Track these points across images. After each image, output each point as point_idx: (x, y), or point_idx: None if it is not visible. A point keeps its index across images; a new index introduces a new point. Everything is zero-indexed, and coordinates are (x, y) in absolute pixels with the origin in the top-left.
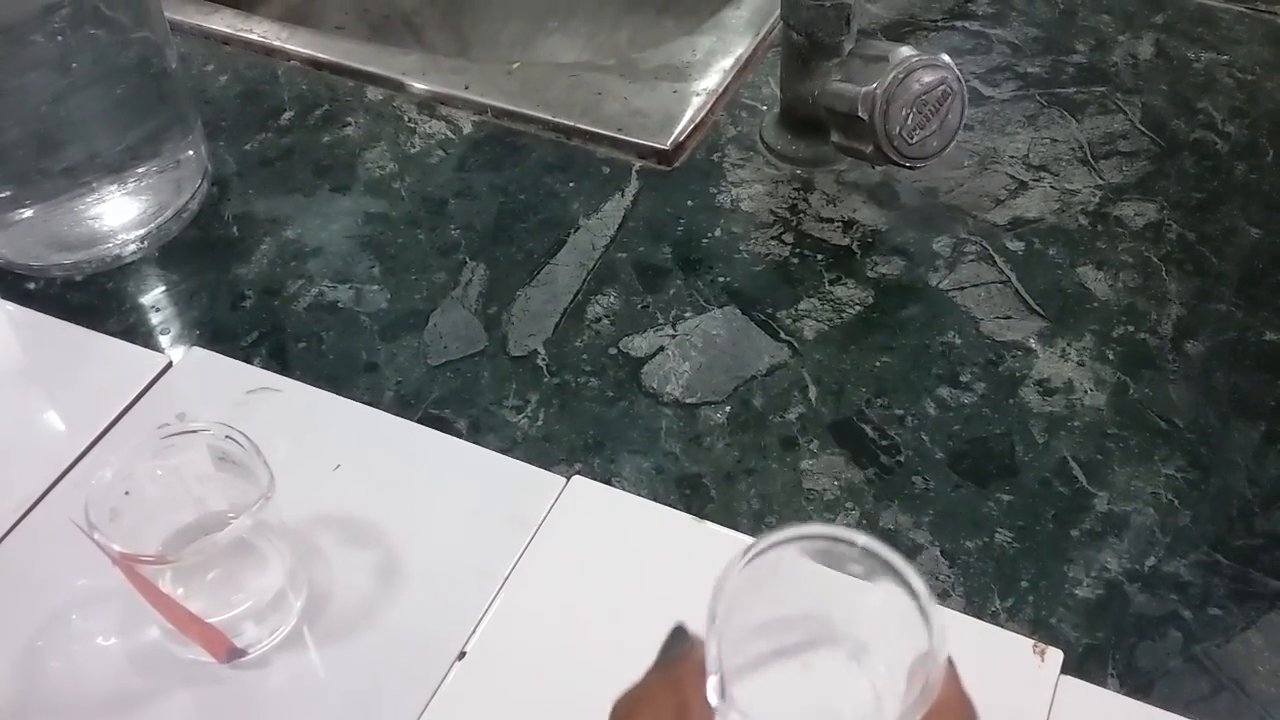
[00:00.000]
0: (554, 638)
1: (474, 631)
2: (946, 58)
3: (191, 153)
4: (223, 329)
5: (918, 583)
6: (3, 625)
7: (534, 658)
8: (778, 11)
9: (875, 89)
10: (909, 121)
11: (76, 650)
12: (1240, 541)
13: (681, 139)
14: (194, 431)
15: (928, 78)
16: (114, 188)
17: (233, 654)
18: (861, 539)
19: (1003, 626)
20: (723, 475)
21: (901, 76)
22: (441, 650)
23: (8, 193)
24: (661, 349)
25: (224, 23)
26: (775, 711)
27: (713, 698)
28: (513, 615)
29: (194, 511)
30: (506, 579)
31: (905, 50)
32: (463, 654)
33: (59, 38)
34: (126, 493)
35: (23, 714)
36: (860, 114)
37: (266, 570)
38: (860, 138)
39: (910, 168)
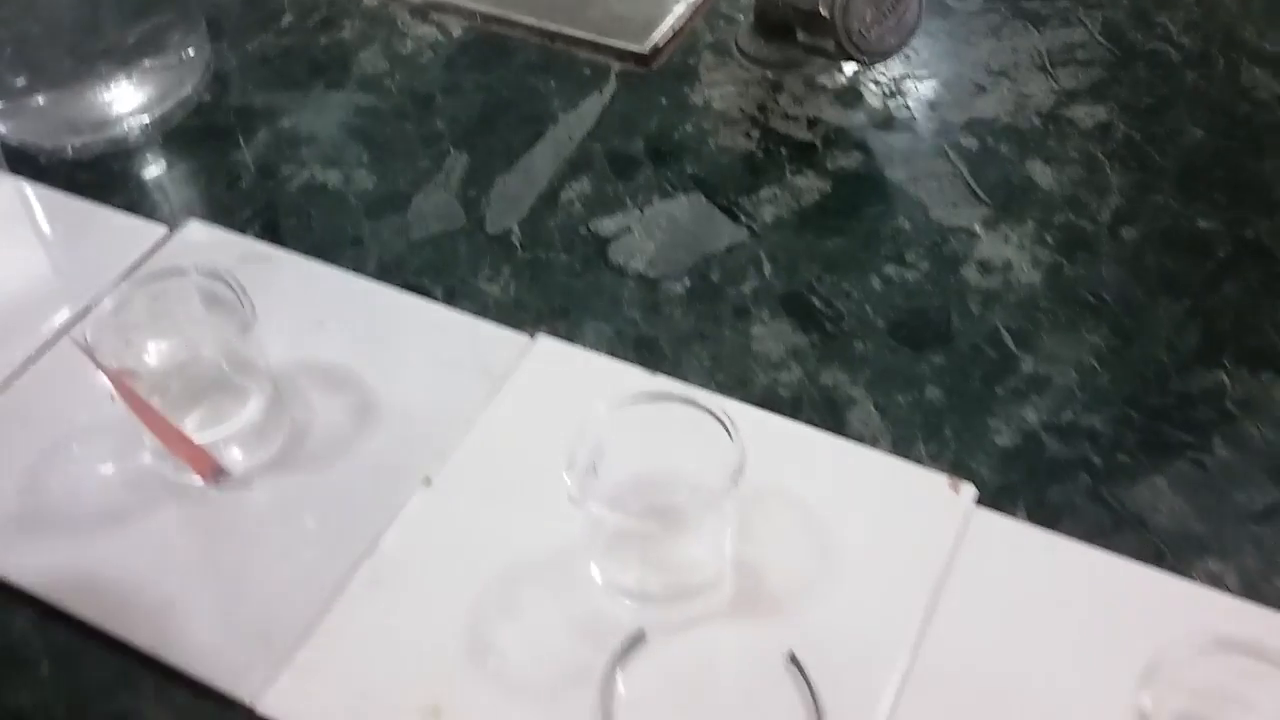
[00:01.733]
0: (512, 475)
1: (441, 463)
2: None
3: (193, 50)
4: (219, 205)
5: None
6: (9, 452)
7: (492, 491)
8: None
9: None
10: (867, 18)
11: (74, 473)
12: (1154, 400)
13: (660, 44)
14: (184, 273)
15: None
16: (121, 77)
17: (218, 474)
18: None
19: (925, 467)
20: (678, 338)
21: None
22: (408, 479)
23: (23, 80)
24: (628, 229)
25: None
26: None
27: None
28: (476, 453)
29: (185, 350)
30: (473, 422)
31: None
32: (428, 480)
33: None
34: (128, 342)
35: (25, 527)
36: (822, 11)
37: (248, 404)
38: (823, 34)
39: (869, 63)
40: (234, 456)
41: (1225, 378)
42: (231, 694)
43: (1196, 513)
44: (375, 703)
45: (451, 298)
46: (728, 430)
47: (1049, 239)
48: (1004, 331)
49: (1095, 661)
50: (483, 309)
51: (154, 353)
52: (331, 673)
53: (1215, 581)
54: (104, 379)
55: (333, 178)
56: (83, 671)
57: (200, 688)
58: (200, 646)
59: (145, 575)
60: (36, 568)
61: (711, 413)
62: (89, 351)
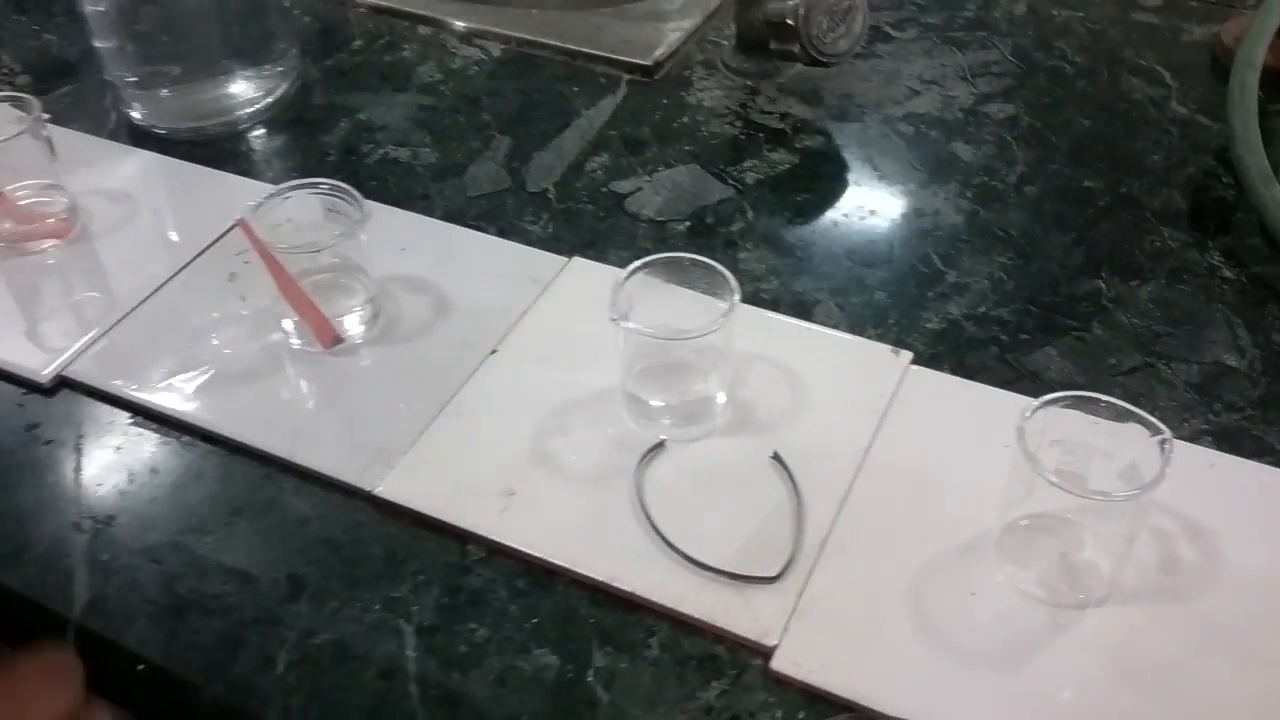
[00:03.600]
0: (557, 346)
1: (502, 340)
2: None
3: (287, 61)
4: (312, 173)
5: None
6: (173, 330)
7: (544, 356)
8: None
9: (800, 1)
10: (824, 26)
11: (222, 343)
12: (1047, 299)
13: (661, 60)
14: (314, 185)
15: None
16: (232, 76)
17: (335, 340)
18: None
19: (862, 337)
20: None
21: None
22: (479, 350)
23: (153, 74)
24: (640, 189)
25: None
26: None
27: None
28: (530, 332)
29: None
30: (525, 311)
31: None
32: (494, 351)
33: None
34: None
35: (189, 381)
36: (789, 21)
37: (357, 294)
38: (791, 41)
39: (827, 64)
40: (346, 330)
41: (1102, 284)
42: (355, 485)
43: (1078, 370)
44: (465, 488)
45: (503, 234)
46: (725, 276)
47: (968, 194)
48: (934, 255)
49: (992, 462)
50: (529, 241)
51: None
52: (430, 469)
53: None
54: (256, 260)
55: (402, 154)
56: (236, 476)
57: (329, 482)
58: (327, 456)
59: (282, 410)
60: (199, 409)
61: (714, 266)
62: (250, 228)
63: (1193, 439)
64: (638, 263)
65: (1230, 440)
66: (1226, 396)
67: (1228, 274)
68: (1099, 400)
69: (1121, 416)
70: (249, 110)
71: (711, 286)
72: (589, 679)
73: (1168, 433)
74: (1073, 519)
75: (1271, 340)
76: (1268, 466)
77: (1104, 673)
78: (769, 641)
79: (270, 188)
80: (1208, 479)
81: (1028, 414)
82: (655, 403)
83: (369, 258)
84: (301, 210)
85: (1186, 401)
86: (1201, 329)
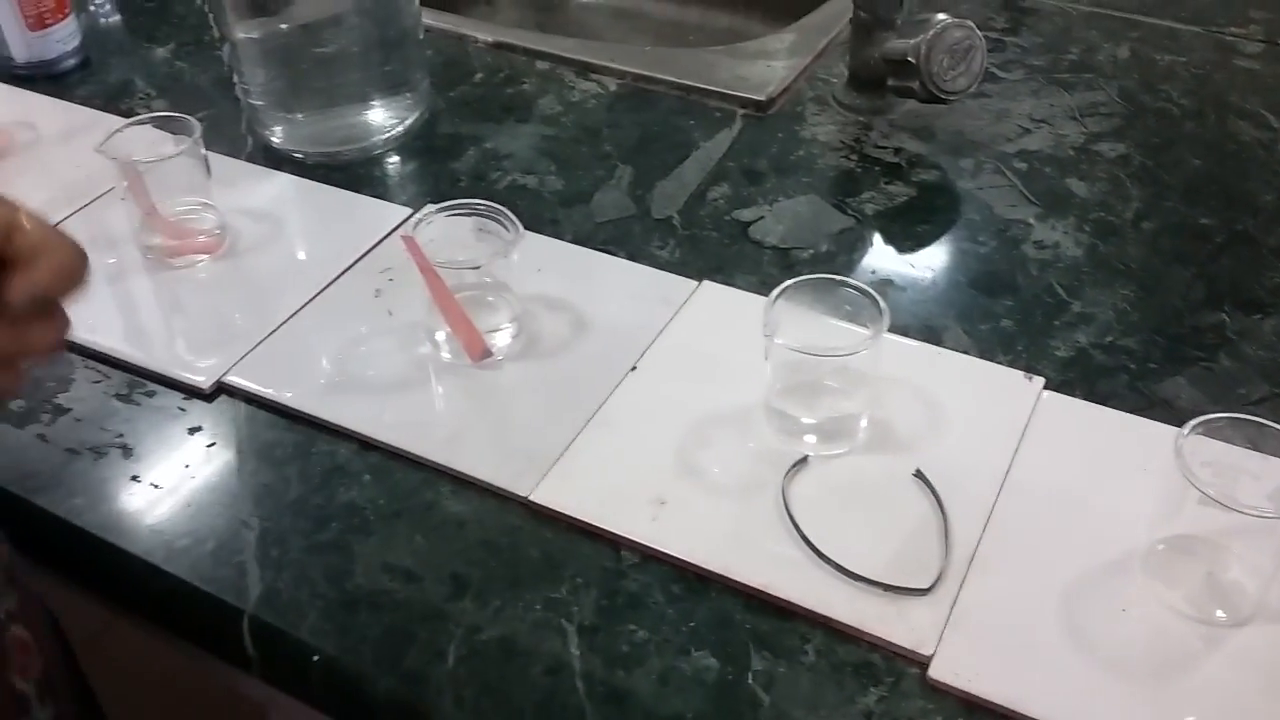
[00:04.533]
0: (695, 363)
1: (641, 357)
2: (970, 22)
3: (420, 92)
4: (444, 198)
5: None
6: (326, 341)
7: (683, 373)
8: (846, 17)
9: (922, 39)
10: (944, 64)
11: (373, 354)
12: (1173, 330)
13: (774, 95)
14: (471, 205)
15: (958, 33)
16: (370, 105)
17: (484, 354)
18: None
19: (992, 362)
20: None
21: (940, 31)
22: (620, 367)
23: (293, 103)
24: (762, 217)
25: (428, 15)
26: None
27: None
28: (668, 351)
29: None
30: (660, 330)
31: (942, 15)
32: (634, 367)
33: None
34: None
35: (343, 390)
36: (910, 59)
37: (501, 312)
38: (910, 78)
39: (945, 101)
40: (495, 344)
41: (1225, 317)
42: (509, 490)
43: (1208, 399)
44: (615, 496)
45: (632, 258)
46: (875, 300)
47: (1086, 228)
48: (1057, 286)
49: (1130, 485)
50: (656, 266)
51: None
52: (581, 477)
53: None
54: (416, 270)
55: (530, 181)
56: (394, 480)
57: (484, 488)
58: (481, 462)
59: (434, 419)
60: (354, 416)
61: (862, 288)
62: (414, 242)
63: None
64: (790, 281)
65: None
66: None
67: None
68: (1253, 422)
69: (1271, 439)
70: (383, 137)
71: (852, 312)
72: (749, 681)
73: None
74: (1217, 541)
75: None
76: None
77: (1253, 689)
78: (925, 650)
79: (406, 210)
80: None
81: (1185, 433)
82: (804, 419)
83: (514, 278)
84: (450, 230)
85: None
86: None
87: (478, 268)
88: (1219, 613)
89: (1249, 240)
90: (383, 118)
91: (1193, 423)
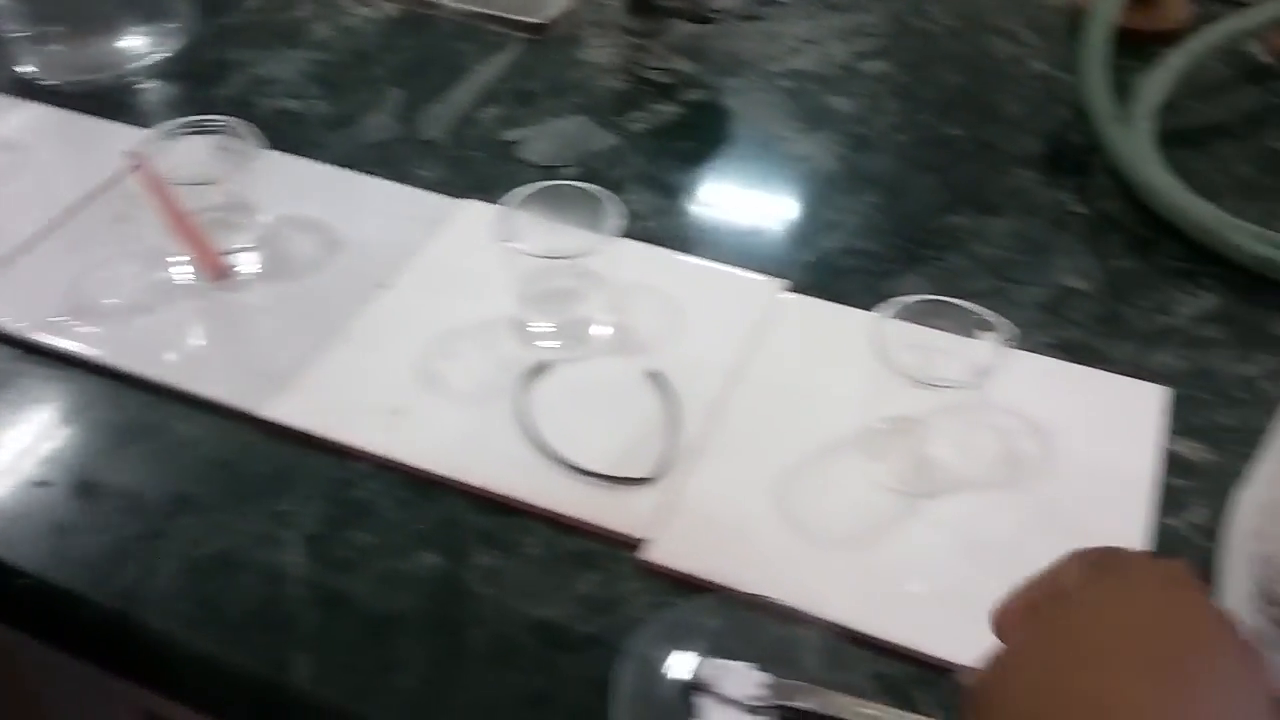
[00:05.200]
0: (448, 282)
1: (392, 275)
2: None
3: (180, 18)
4: None
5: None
6: (56, 279)
7: (435, 290)
8: None
9: None
10: None
11: (110, 284)
12: (912, 233)
13: (553, 18)
14: (202, 123)
15: None
16: (124, 32)
17: (223, 274)
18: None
19: (742, 269)
20: None
21: None
22: (368, 284)
23: (50, 30)
24: (529, 137)
25: None
26: None
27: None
28: (419, 269)
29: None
30: (416, 249)
31: None
32: (384, 285)
33: None
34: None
35: (75, 316)
36: None
37: (245, 233)
38: None
39: (711, 20)
40: (236, 264)
41: (962, 220)
42: (241, 408)
43: (937, 292)
44: (352, 409)
45: (397, 180)
46: (606, 201)
47: (843, 141)
48: (809, 196)
49: (856, 374)
50: (420, 186)
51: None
52: (318, 393)
53: None
54: (147, 194)
55: (295, 105)
56: (124, 403)
57: (217, 408)
58: (214, 382)
59: (168, 341)
60: (85, 341)
61: (596, 191)
62: (141, 161)
63: (1038, 351)
64: (525, 188)
65: (1072, 351)
66: (1070, 314)
67: (1076, 209)
68: (946, 301)
69: (966, 317)
70: (141, 64)
71: (596, 220)
72: (470, 575)
73: (1006, 328)
74: (926, 420)
75: (1111, 266)
76: (1101, 372)
77: (949, 551)
78: (639, 535)
79: (156, 135)
80: (1049, 384)
81: (881, 315)
82: (535, 325)
83: (261, 198)
84: (191, 152)
85: (1034, 319)
86: (1050, 257)
87: (210, 184)
88: (921, 485)
89: (992, 149)
90: (140, 45)
91: (889, 304)
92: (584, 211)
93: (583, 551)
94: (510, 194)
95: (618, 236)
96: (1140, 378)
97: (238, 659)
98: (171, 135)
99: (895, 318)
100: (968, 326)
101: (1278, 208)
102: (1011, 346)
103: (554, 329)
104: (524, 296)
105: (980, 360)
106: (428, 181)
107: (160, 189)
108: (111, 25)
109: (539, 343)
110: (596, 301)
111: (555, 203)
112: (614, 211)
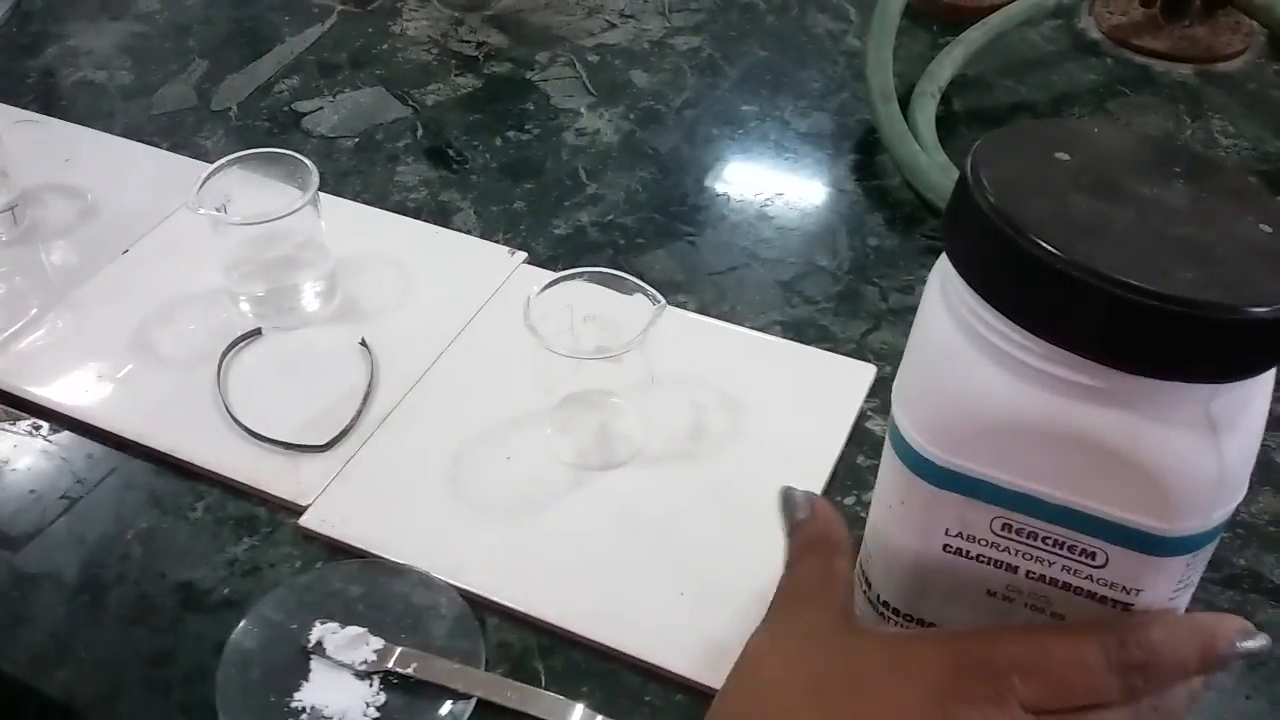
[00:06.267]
0: (189, 249)
1: (136, 242)
2: None
3: None
4: (10, 91)
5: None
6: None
7: (170, 259)
8: None
9: None
10: None
11: None
12: (673, 209)
13: None
14: None
15: None
16: None
17: None
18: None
19: (491, 242)
20: (340, 173)
21: None
22: (111, 251)
23: None
24: (321, 109)
25: None
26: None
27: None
28: (166, 235)
29: None
30: (166, 217)
31: None
32: (126, 251)
33: None
34: None
35: None
36: None
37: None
38: None
39: None
40: None
41: (728, 196)
42: None
43: (680, 270)
44: (58, 372)
45: (175, 149)
46: (306, 165)
47: (631, 116)
48: (581, 170)
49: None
50: (198, 155)
51: None
52: (28, 357)
53: (682, 306)
54: None
55: (99, 76)
56: None
57: None
58: None
59: None
60: None
61: (296, 157)
62: None
63: (764, 329)
64: (225, 159)
65: (797, 329)
66: (807, 292)
67: (847, 187)
68: (604, 273)
69: (626, 288)
70: None
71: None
72: (128, 538)
73: (662, 300)
74: (616, 393)
75: (866, 244)
76: (813, 349)
77: (605, 524)
78: (303, 502)
79: None
80: (757, 361)
81: (536, 290)
82: (246, 294)
83: (22, 165)
84: None
85: (770, 297)
86: (808, 235)
87: None
88: (599, 458)
89: (781, 124)
90: None
91: (546, 279)
92: (300, 179)
93: (246, 516)
94: (215, 164)
95: (316, 201)
96: (859, 357)
97: None
98: None
99: (558, 290)
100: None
101: None
102: (657, 313)
103: (262, 295)
104: (237, 265)
105: (638, 330)
106: (202, 151)
107: None
108: None
109: (248, 310)
110: (309, 269)
111: (268, 167)
112: (312, 177)
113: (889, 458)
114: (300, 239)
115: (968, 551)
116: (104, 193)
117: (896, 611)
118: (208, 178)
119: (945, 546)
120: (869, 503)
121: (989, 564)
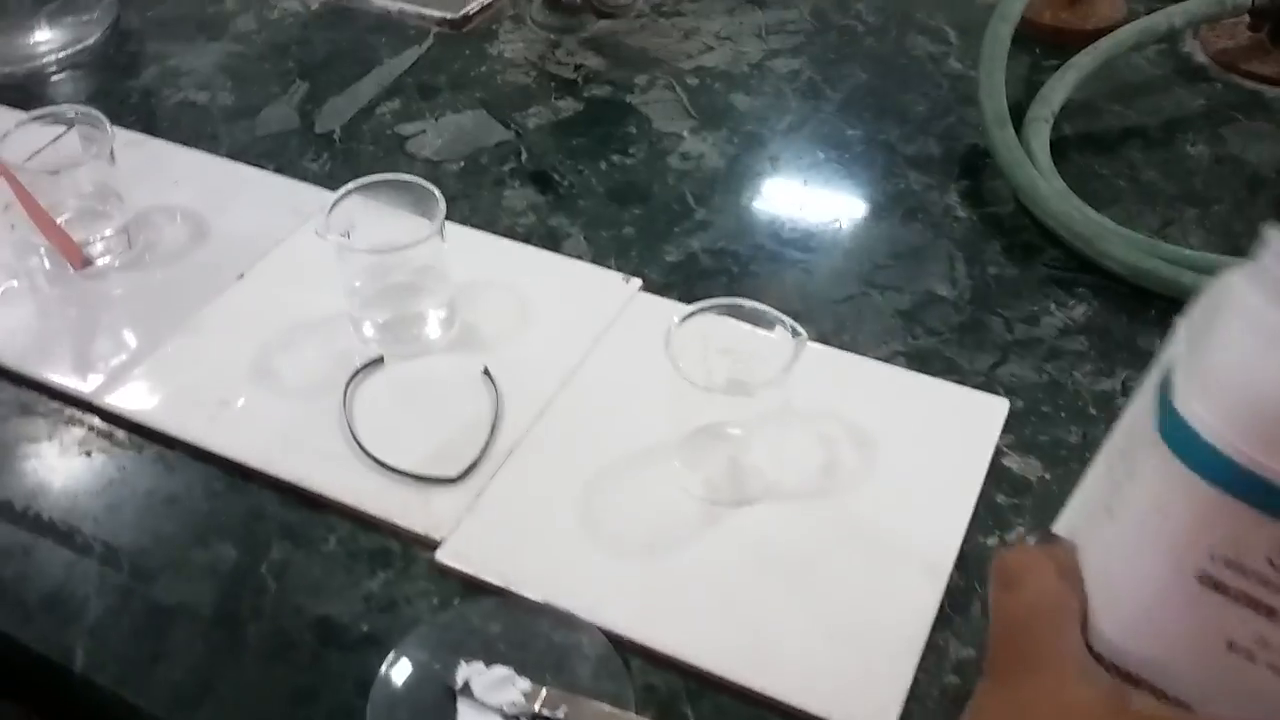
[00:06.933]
0: (305, 274)
1: (253, 266)
2: None
3: (101, 10)
4: (112, 116)
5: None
6: None
7: (288, 285)
8: None
9: None
10: None
11: None
12: (784, 235)
13: (471, 13)
14: (55, 114)
15: None
16: (39, 24)
17: (85, 263)
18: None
19: (603, 268)
20: (447, 197)
21: None
22: (227, 275)
23: None
24: (424, 131)
25: None
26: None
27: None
28: (281, 260)
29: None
30: (281, 241)
31: None
32: (241, 275)
33: None
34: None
35: None
36: None
37: (110, 221)
38: None
39: (613, 15)
40: (98, 253)
41: (839, 223)
42: (76, 393)
43: (798, 298)
44: (183, 397)
45: (280, 171)
46: (434, 195)
47: (735, 140)
48: (688, 195)
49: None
50: (305, 179)
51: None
52: (154, 383)
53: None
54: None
55: (201, 97)
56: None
57: (52, 398)
58: (52, 370)
59: (24, 328)
60: None
61: (424, 185)
62: None
63: (888, 359)
64: (352, 184)
65: (921, 360)
66: (929, 322)
67: (961, 214)
68: (743, 305)
69: (766, 320)
70: (57, 56)
71: (431, 213)
72: (262, 570)
73: (803, 334)
74: (743, 427)
75: (986, 273)
76: (943, 382)
77: (740, 562)
78: (437, 535)
79: (57, 129)
80: (886, 393)
81: (676, 321)
82: (369, 321)
83: (132, 186)
84: (64, 143)
85: (890, 326)
86: (923, 263)
87: (56, 172)
88: (731, 493)
89: (887, 149)
90: (57, 37)
91: (685, 310)
92: (422, 206)
93: (380, 550)
94: (340, 191)
95: (443, 229)
96: (990, 390)
97: (27, 640)
98: (27, 125)
99: (692, 320)
100: (766, 323)
101: (1175, 214)
102: (800, 347)
103: (386, 323)
104: (359, 292)
105: (782, 364)
106: (312, 174)
107: (11, 180)
108: (26, 17)
109: (372, 337)
110: (431, 296)
111: (391, 196)
112: (439, 199)
113: (1151, 459)
114: (420, 264)
115: (1227, 585)
116: (214, 215)
117: (1098, 658)
118: (336, 203)
119: (1201, 576)
120: (1012, 543)
121: (1247, 605)
